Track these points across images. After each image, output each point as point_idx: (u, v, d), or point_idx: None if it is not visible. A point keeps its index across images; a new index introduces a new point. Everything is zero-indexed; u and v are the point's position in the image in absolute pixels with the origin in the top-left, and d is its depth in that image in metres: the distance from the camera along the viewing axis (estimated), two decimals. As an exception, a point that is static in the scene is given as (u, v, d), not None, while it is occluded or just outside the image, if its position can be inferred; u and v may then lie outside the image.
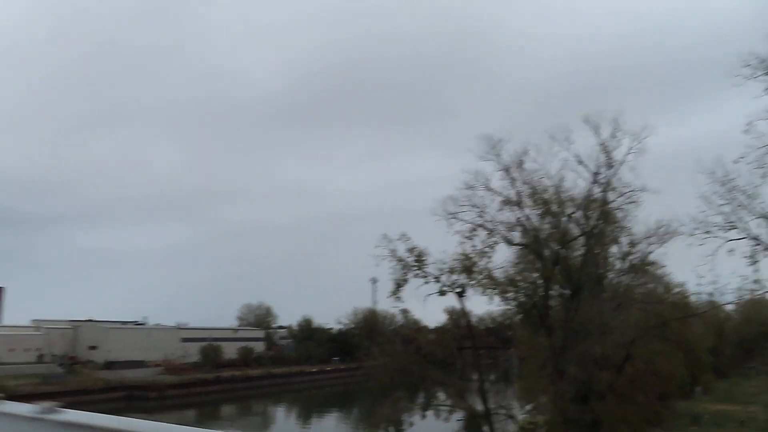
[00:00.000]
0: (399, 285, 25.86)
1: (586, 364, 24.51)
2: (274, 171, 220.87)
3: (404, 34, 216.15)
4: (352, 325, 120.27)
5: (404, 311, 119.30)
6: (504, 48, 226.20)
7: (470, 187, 27.60)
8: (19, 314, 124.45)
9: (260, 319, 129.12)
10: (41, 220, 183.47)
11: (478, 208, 27.42)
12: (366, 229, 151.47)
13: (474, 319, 67.20)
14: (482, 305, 30.04)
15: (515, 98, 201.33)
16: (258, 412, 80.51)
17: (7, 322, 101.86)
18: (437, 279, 25.84)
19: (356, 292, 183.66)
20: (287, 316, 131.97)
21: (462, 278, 26.10)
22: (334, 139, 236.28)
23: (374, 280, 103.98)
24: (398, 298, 26.17)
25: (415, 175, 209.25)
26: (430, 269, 25.78)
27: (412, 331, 76.45)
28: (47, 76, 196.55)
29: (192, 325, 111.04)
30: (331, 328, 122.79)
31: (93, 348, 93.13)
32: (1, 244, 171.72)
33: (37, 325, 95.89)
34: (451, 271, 25.95)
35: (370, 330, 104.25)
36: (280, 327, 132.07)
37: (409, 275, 25.70)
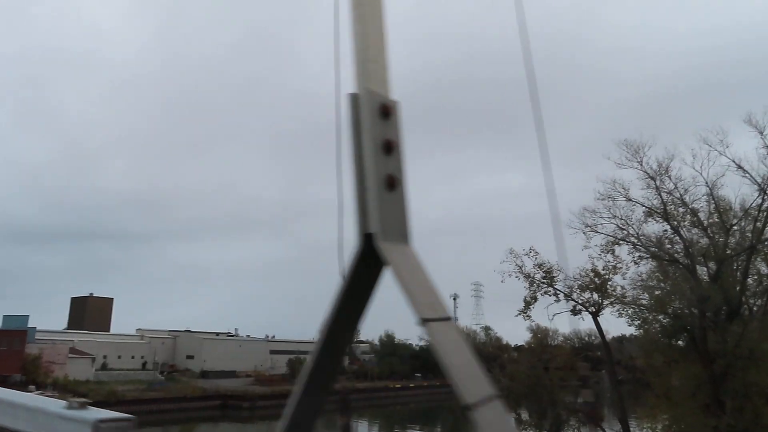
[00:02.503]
0: (529, 303, 24.63)
1: (752, 396, 21.32)
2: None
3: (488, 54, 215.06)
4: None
5: (486, 328, 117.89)
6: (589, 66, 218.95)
7: (608, 197, 24.42)
8: (126, 323, 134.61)
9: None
10: (145, 236, 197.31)
11: (619, 219, 24.44)
12: (447, 242, 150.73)
13: (558, 339, 65.49)
14: (564, 323, 28.66)
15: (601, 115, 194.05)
16: (343, 426, 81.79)
17: (115, 330, 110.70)
18: (568, 297, 24.38)
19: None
20: (369, 331, 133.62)
21: (595, 296, 24.22)
22: (421, 153, 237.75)
23: (455, 297, 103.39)
24: (528, 317, 24.94)
25: (497, 188, 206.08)
26: (560, 286, 24.18)
27: (494, 349, 75.10)
28: (159, 103, 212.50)
29: (279, 337, 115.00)
30: (413, 344, 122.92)
31: (190, 357, 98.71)
32: (112, 258, 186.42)
33: (141, 334, 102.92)
34: (583, 288, 24.22)
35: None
36: (362, 341, 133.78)
37: (539, 292, 24.24)
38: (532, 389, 25.85)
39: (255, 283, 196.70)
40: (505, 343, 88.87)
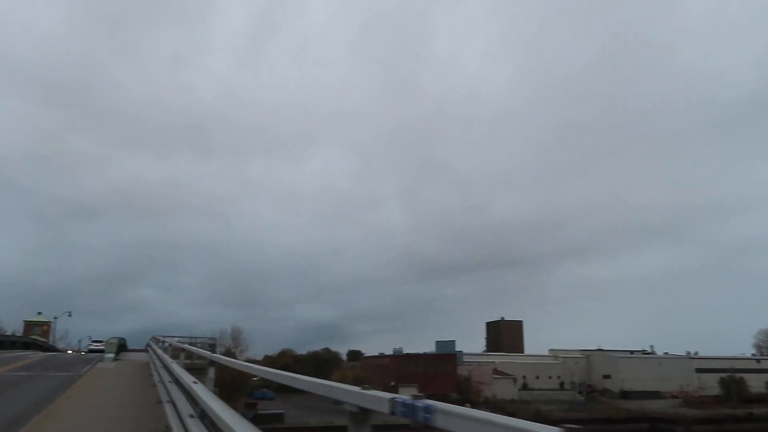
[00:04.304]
0: None
1: None
2: (749, 179, 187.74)
3: None
4: None
5: None
6: None
7: None
8: (537, 344, 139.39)
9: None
10: (539, 259, 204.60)
11: None
12: None
13: None
14: None
15: None
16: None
17: (528, 351, 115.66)
18: None
19: None
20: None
21: None
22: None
23: None
24: None
25: None
26: None
27: None
28: (538, 132, 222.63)
29: (703, 353, 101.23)
30: None
31: (606, 377, 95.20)
32: (517, 283, 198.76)
33: (554, 354, 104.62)
34: None
35: None
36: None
37: None
38: None
39: (662, 296, 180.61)
40: None
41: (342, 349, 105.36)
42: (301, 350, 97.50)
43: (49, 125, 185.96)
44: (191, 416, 5.49)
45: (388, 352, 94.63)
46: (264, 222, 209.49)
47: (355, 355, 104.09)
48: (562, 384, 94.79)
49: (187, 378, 6.36)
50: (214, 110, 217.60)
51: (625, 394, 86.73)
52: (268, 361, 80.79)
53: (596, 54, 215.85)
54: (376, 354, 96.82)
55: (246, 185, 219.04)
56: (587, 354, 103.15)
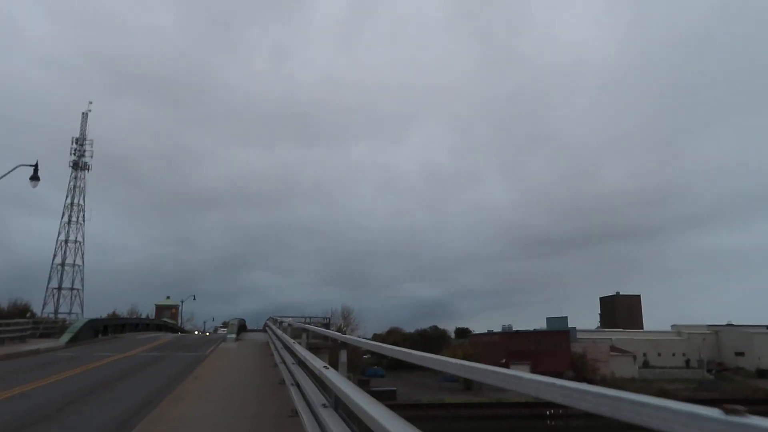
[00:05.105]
0: None
1: None
2: None
3: None
4: None
5: None
6: None
7: None
8: (657, 320, 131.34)
9: None
10: (653, 229, 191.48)
11: None
12: None
13: None
14: None
15: None
16: None
17: (647, 327, 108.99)
18: None
19: None
20: None
21: None
22: None
23: None
24: None
25: None
26: None
27: None
28: (651, 92, 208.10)
29: None
30: None
31: (739, 354, 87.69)
32: (632, 256, 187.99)
33: (678, 330, 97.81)
34: None
35: None
36: None
37: None
38: None
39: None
40: None
41: (449, 327, 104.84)
42: (409, 328, 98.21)
43: (168, 123, 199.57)
44: (324, 405, 4.96)
45: (496, 329, 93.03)
46: (367, 203, 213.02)
47: (462, 332, 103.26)
48: (687, 362, 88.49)
49: (316, 362, 5.85)
50: (315, 97, 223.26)
51: (762, 373, 79.35)
52: (377, 339, 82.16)
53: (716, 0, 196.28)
54: (485, 331, 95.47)
55: (349, 168, 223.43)
56: (715, 329, 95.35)
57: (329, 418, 4.42)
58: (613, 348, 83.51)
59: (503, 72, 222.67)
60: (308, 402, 6.45)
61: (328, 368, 4.86)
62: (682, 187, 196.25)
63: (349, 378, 4.55)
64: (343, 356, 5.13)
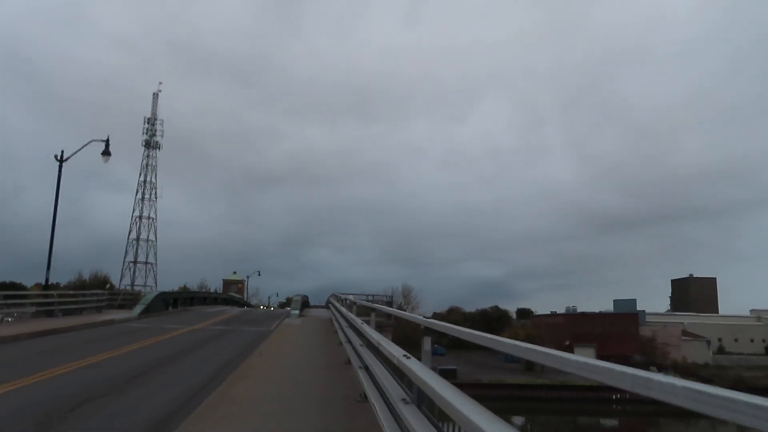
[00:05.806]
0: None
1: None
2: None
3: None
4: None
5: None
6: None
7: None
8: (734, 304, 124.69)
9: None
10: (734, 207, 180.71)
11: None
12: None
13: None
14: None
15: None
16: None
17: (724, 311, 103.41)
18: None
19: None
20: None
21: None
22: None
23: None
24: None
25: None
26: None
27: None
28: (731, 60, 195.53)
29: None
30: None
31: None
32: (707, 237, 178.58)
33: (757, 315, 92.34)
34: None
35: None
36: None
37: None
38: None
39: None
40: None
41: (510, 307, 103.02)
42: (469, 308, 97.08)
43: (233, 102, 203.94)
44: (404, 401, 4.40)
45: (560, 310, 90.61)
46: (428, 182, 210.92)
47: (524, 313, 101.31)
48: (767, 348, 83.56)
49: (393, 349, 5.28)
50: (376, 75, 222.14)
51: None
52: (437, 318, 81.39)
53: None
54: (548, 312, 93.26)
55: (409, 146, 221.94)
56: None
57: (411, 415, 3.86)
58: (684, 332, 79.80)
59: (569, 43, 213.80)
60: (381, 391, 5.94)
61: (409, 358, 4.28)
62: (764, 163, 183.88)
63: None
64: (427, 344, 4.49)
